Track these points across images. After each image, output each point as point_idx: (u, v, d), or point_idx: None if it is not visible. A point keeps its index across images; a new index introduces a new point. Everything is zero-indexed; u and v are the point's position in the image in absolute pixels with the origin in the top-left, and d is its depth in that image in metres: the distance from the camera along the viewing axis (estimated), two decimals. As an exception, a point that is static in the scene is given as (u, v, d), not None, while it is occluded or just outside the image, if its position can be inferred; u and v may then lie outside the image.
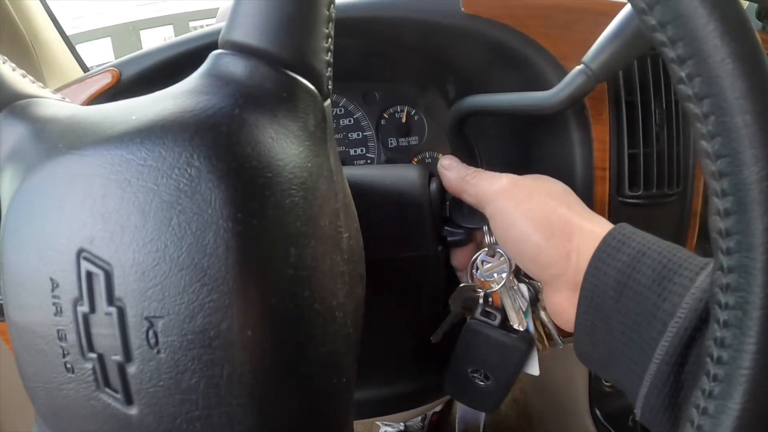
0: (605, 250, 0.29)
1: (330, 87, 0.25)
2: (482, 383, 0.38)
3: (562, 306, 0.32)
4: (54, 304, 0.21)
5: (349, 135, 0.51)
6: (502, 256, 0.36)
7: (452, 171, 0.36)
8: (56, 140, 0.22)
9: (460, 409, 0.42)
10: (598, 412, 0.59)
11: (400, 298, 0.36)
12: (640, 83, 0.45)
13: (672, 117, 0.46)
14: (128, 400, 0.21)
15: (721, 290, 0.18)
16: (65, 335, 0.21)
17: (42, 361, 0.22)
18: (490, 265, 0.36)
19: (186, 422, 0.21)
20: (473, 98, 0.40)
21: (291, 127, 0.22)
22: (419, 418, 0.88)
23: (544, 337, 0.38)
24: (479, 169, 0.35)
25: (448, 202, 0.37)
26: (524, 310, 0.37)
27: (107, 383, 0.21)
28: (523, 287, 0.37)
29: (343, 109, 0.52)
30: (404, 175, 0.36)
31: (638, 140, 0.45)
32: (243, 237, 0.20)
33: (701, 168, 0.22)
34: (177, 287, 0.20)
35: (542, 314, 0.37)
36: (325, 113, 0.25)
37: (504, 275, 0.36)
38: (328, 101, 0.25)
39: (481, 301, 0.37)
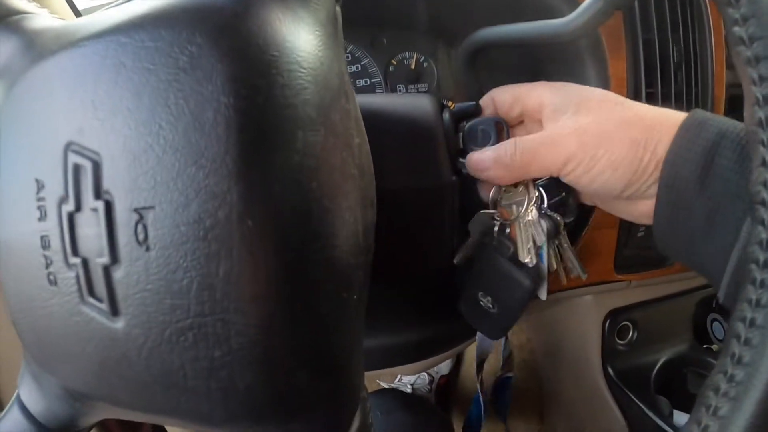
0: (684, 136, 0.27)
1: None
2: (489, 309, 0.38)
3: (641, 211, 0.31)
4: (39, 207, 0.20)
5: (357, 82, 0.50)
6: (523, 187, 0.35)
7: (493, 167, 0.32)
8: (46, 46, 0.21)
9: (478, 336, 0.41)
10: (610, 371, 0.58)
11: (412, 232, 0.35)
12: (658, 21, 0.44)
13: (690, 56, 0.45)
14: (114, 310, 0.19)
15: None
16: (49, 241, 0.20)
17: (25, 276, 0.21)
18: (509, 194, 0.35)
19: (176, 333, 0.18)
20: (485, 30, 0.39)
21: (301, 14, 0.21)
22: (426, 381, 0.88)
23: (563, 271, 0.37)
24: (518, 143, 0.32)
25: (461, 132, 0.36)
26: (539, 245, 0.36)
27: (91, 292, 0.19)
28: (543, 222, 0.36)
29: (350, 56, 0.50)
30: (416, 103, 0.34)
31: (656, 79, 0.44)
32: (246, 114, 0.18)
33: (735, 60, 0.21)
34: (170, 172, 0.18)
35: (566, 248, 0.36)
36: (337, 15, 0.24)
37: (521, 208, 0.35)
38: (338, 8, 0.24)
39: (496, 229, 0.35)
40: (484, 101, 0.36)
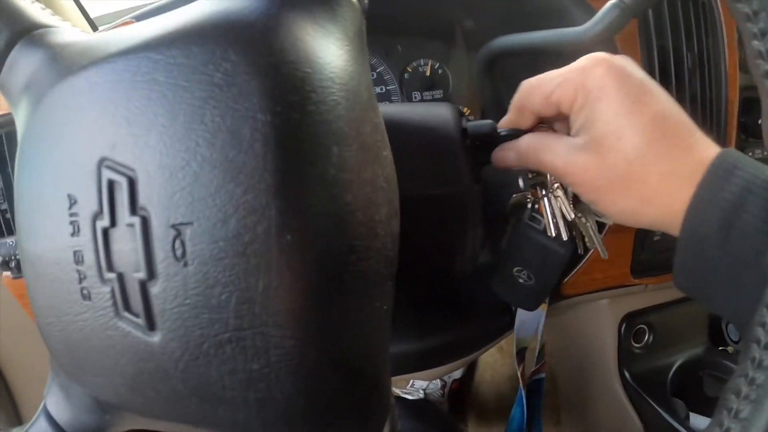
0: (708, 187, 0.25)
1: (367, 2, 0.25)
2: (526, 282, 0.39)
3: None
4: (71, 223, 0.20)
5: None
6: None
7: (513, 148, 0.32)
8: (74, 60, 0.21)
9: (516, 323, 0.41)
10: (626, 374, 0.58)
11: (433, 240, 0.36)
12: (671, 27, 0.44)
13: (704, 60, 0.45)
14: (150, 325, 0.19)
15: None
16: (82, 256, 0.20)
17: (57, 290, 0.21)
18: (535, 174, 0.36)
19: (215, 347, 0.19)
20: (504, 38, 0.39)
21: (330, 29, 0.21)
22: (439, 386, 0.88)
23: (581, 245, 0.38)
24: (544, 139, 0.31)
25: (478, 142, 0.36)
26: (569, 219, 0.37)
27: (127, 307, 0.19)
28: (562, 197, 0.36)
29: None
30: (435, 112, 0.35)
31: (671, 84, 0.44)
32: (283, 131, 0.18)
33: (753, 72, 0.21)
34: (208, 188, 0.18)
35: (589, 227, 0.37)
36: (363, 29, 0.24)
37: (546, 189, 0.36)
38: (364, 21, 0.24)
39: (528, 206, 0.37)
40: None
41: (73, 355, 0.22)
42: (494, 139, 0.35)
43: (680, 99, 0.45)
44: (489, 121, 0.35)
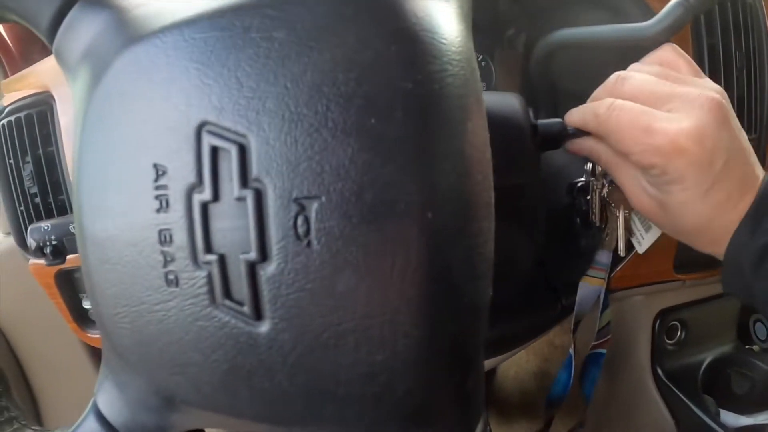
0: (748, 223, 0.28)
1: None
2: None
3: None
4: (157, 197, 0.17)
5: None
6: None
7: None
8: (150, 20, 0.18)
9: (578, 296, 0.42)
10: (659, 370, 0.58)
11: (498, 231, 0.36)
12: (721, 27, 0.45)
13: (752, 62, 0.46)
14: (257, 314, 0.17)
15: None
16: (170, 236, 0.17)
17: (131, 276, 0.18)
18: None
19: (336, 337, 0.17)
20: (563, 32, 0.40)
21: (451, 2, 0.20)
22: None
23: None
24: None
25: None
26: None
27: (227, 293, 0.17)
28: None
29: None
30: (506, 101, 0.35)
31: (720, 83, 0.45)
32: (425, 100, 0.17)
33: None
34: (341, 158, 0.16)
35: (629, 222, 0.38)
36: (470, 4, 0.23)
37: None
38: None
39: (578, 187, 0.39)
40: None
41: (146, 350, 0.19)
42: (562, 138, 0.35)
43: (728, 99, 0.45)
44: (558, 120, 0.35)
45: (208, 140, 0.17)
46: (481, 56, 0.52)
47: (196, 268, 0.17)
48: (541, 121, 0.35)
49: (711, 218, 0.29)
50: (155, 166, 0.18)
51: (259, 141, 0.16)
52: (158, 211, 0.18)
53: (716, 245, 0.30)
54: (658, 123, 0.28)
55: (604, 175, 0.37)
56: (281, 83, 0.16)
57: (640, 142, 0.28)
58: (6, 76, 0.61)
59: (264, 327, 0.17)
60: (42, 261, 0.46)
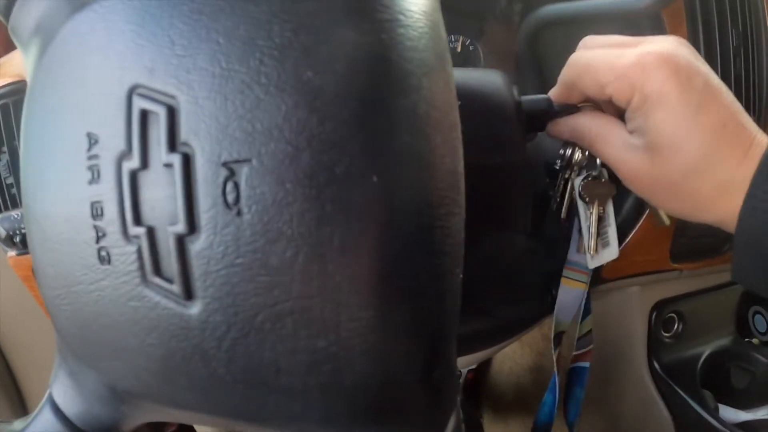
0: (757, 193, 0.25)
1: None
2: None
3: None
4: (90, 168, 0.16)
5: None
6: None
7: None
8: None
9: (557, 304, 0.40)
10: (656, 364, 0.57)
11: (484, 213, 0.34)
12: (717, 3, 0.43)
13: (749, 40, 0.44)
14: (187, 293, 0.16)
15: None
16: (101, 208, 0.16)
17: (67, 254, 0.17)
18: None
19: (271, 319, 0.15)
20: (550, 7, 0.38)
21: None
22: None
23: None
24: None
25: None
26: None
27: (157, 270, 0.16)
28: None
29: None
30: (488, 78, 0.34)
31: (716, 61, 0.43)
32: (370, 52, 0.15)
33: None
34: (274, 116, 0.15)
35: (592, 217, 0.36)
36: None
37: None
38: None
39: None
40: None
41: (86, 334, 0.18)
42: (549, 115, 0.33)
43: (725, 78, 0.43)
44: (545, 96, 0.33)
45: (138, 104, 0.16)
46: (469, 40, 0.51)
47: (126, 242, 0.16)
48: (525, 98, 0.33)
49: (708, 153, 0.26)
50: (88, 135, 0.16)
51: (189, 101, 0.15)
52: (90, 182, 0.16)
53: (722, 201, 0.26)
54: (629, 49, 0.27)
55: (580, 164, 0.34)
56: (213, 38, 0.15)
57: (614, 66, 0.27)
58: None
59: (195, 308, 0.16)
60: (14, 252, 0.44)
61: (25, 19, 0.19)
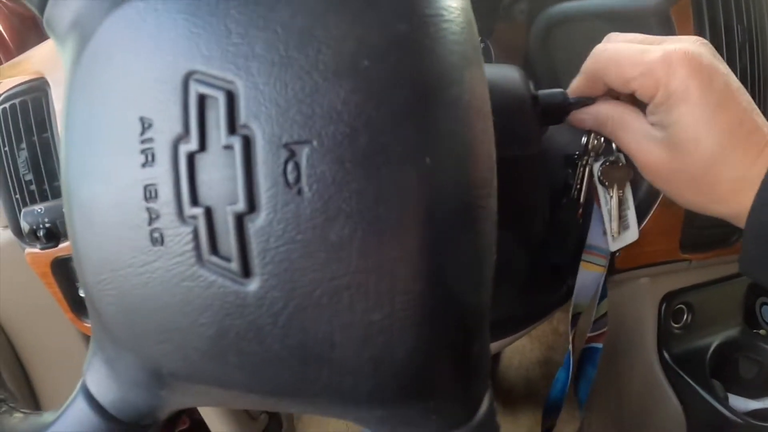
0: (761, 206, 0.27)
1: None
2: None
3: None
4: (143, 151, 0.16)
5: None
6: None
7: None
8: None
9: (576, 286, 0.41)
10: (666, 355, 0.58)
11: (503, 203, 0.35)
12: (723, 0, 0.44)
13: (754, 35, 0.45)
14: (245, 270, 0.16)
15: None
16: (155, 191, 0.16)
17: (116, 237, 0.17)
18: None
19: (328, 294, 0.16)
20: (561, 5, 0.39)
21: None
22: None
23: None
24: None
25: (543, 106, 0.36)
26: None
27: (214, 249, 0.16)
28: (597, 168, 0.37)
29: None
30: (505, 73, 0.35)
31: (722, 57, 0.44)
32: (421, 44, 0.16)
33: None
34: (333, 100, 0.15)
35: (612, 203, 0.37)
36: None
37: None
38: None
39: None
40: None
41: (132, 318, 0.18)
42: (564, 108, 0.35)
43: (731, 72, 0.45)
44: (560, 90, 0.34)
45: (195, 89, 0.16)
46: (480, 38, 0.52)
47: (181, 223, 0.16)
48: (542, 92, 0.34)
49: (725, 150, 0.27)
50: (141, 119, 0.17)
51: (248, 86, 0.16)
52: (144, 165, 0.17)
53: (736, 196, 0.28)
54: (653, 46, 0.29)
55: (597, 149, 0.36)
56: (271, 28, 0.16)
57: (639, 62, 0.28)
58: (0, 64, 0.60)
59: (253, 285, 0.16)
60: (37, 247, 0.45)
61: (61, 12, 0.19)
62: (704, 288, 0.57)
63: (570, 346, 0.42)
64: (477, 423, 0.21)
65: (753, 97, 0.46)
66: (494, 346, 0.48)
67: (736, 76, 0.45)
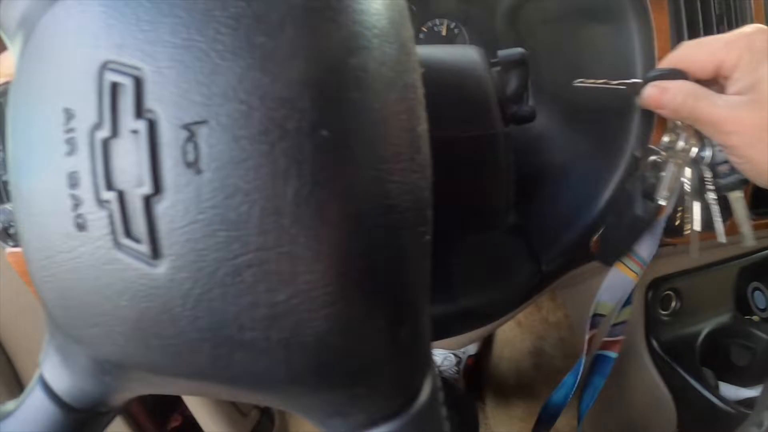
0: None
1: None
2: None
3: None
4: (67, 141, 0.17)
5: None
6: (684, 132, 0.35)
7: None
8: None
9: (606, 279, 0.41)
10: (654, 342, 0.56)
11: (465, 186, 0.34)
12: (698, -31, 0.43)
13: (731, 7, 0.44)
14: (155, 252, 0.16)
15: None
16: (78, 178, 0.17)
17: (48, 225, 0.18)
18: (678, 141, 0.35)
19: (231, 274, 0.16)
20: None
21: None
22: (453, 362, 0.85)
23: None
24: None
25: (508, 86, 0.35)
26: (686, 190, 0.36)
27: (128, 232, 0.16)
28: (689, 171, 0.36)
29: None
30: (463, 54, 0.34)
31: (698, 30, 0.43)
32: (320, 14, 0.16)
33: None
34: (229, 80, 0.15)
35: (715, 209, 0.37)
36: None
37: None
38: None
39: (649, 161, 0.37)
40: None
41: (67, 303, 0.18)
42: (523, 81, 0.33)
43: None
44: (519, 49, 0.34)
45: (108, 77, 0.16)
46: (454, 23, 0.51)
47: (99, 208, 0.17)
48: (501, 52, 0.34)
49: None
50: (66, 110, 0.17)
51: (153, 71, 0.16)
52: (68, 154, 0.17)
53: None
54: (728, 34, 0.32)
55: (689, 150, 0.35)
56: (174, 13, 0.16)
57: (722, 38, 0.32)
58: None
59: (163, 266, 0.16)
60: (9, 245, 0.45)
61: (11, 12, 0.19)
62: (692, 273, 0.56)
63: (585, 349, 0.40)
64: (415, 412, 0.20)
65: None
66: (472, 336, 0.47)
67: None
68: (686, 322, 0.58)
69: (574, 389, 0.43)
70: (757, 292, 0.62)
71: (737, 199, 0.37)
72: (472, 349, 0.87)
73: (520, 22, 0.41)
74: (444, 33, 0.50)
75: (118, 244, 0.16)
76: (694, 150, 0.35)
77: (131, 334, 0.17)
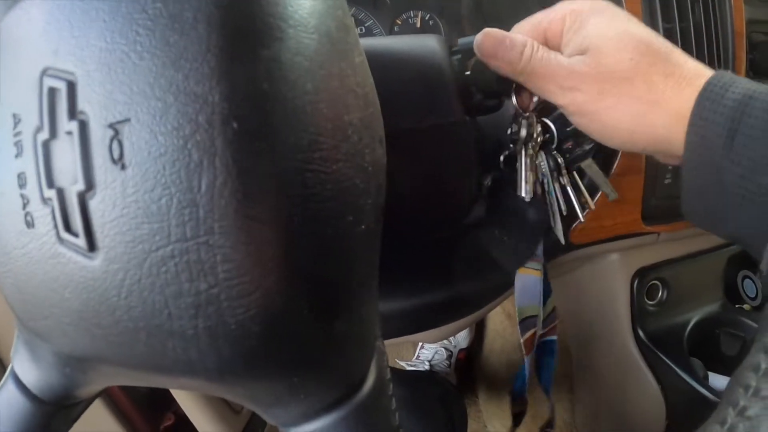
0: (708, 97, 0.26)
1: None
2: (504, 240, 0.39)
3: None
4: (15, 144, 0.18)
5: (361, 44, 0.49)
6: (534, 122, 0.34)
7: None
8: None
9: (516, 290, 0.40)
10: (641, 333, 0.55)
11: (428, 176, 0.34)
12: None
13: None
14: (90, 245, 0.17)
15: None
16: (25, 178, 0.18)
17: (4, 224, 0.19)
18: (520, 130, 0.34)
19: (156, 264, 0.17)
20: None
21: None
22: (445, 356, 0.85)
23: (578, 209, 0.37)
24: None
25: (469, 72, 0.34)
26: (544, 180, 0.36)
27: (67, 227, 0.17)
28: (544, 157, 0.35)
29: (353, 18, 0.49)
30: (423, 43, 0.33)
31: (673, 13, 0.42)
32: (230, 10, 0.16)
33: None
34: (147, 78, 0.16)
35: (568, 188, 0.36)
36: None
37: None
38: None
39: (501, 158, 0.36)
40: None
41: (24, 298, 0.19)
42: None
43: (684, 30, 0.42)
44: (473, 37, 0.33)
45: (47, 83, 0.18)
46: (428, 15, 0.50)
47: (43, 205, 0.18)
48: (461, 39, 0.33)
49: (653, 61, 0.28)
50: (13, 115, 0.18)
51: (83, 75, 0.17)
52: (16, 156, 0.18)
53: (677, 114, 0.27)
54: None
55: (533, 135, 0.34)
56: (101, 17, 0.17)
57: (545, 11, 0.30)
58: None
59: (98, 259, 0.17)
60: None
61: None
62: (679, 263, 0.55)
63: (523, 353, 0.41)
64: (359, 402, 0.21)
65: (710, 52, 0.44)
66: (453, 327, 0.47)
67: (690, 31, 0.42)
68: (674, 312, 0.57)
69: (527, 381, 0.45)
70: (747, 280, 0.61)
71: (588, 165, 0.37)
72: (463, 342, 0.87)
73: (486, 11, 0.40)
74: (419, 25, 0.49)
75: (60, 239, 0.17)
76: (539, 131, 0.35)
77: (77, 325, 0.18)
